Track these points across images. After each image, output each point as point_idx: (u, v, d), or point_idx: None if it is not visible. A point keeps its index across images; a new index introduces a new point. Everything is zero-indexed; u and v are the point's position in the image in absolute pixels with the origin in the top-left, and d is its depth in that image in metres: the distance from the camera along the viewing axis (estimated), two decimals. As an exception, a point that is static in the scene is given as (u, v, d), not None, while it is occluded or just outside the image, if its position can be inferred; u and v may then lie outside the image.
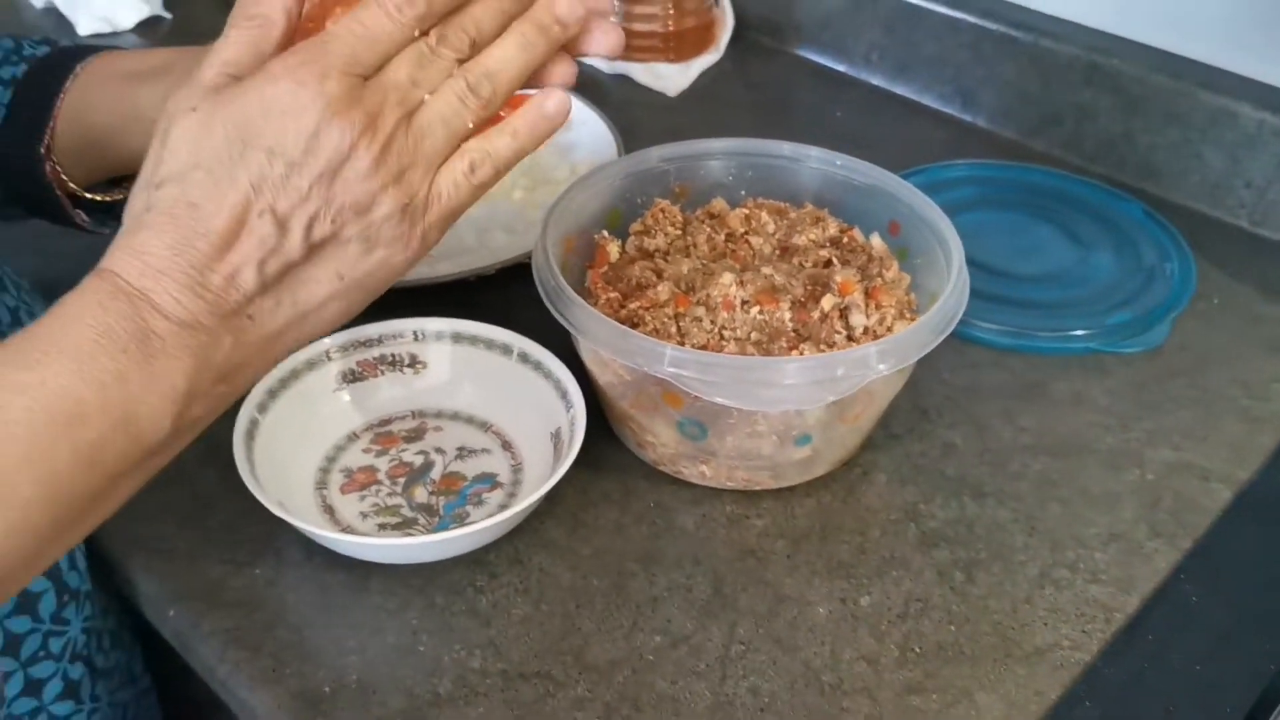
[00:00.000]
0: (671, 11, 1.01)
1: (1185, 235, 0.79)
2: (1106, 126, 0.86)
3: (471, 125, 0.46)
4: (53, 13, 1.05)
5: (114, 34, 1.03)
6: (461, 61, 0.46)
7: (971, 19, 0.91)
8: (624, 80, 1.00)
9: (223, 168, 0.42)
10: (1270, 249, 0.80)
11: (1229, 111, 0.80)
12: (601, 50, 0.51)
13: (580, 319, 0.55)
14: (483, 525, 0.52)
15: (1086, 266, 0.77)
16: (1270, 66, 0.80)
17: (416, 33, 0.45)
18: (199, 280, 0.42)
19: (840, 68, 1.02)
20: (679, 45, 1.02)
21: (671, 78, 0.99)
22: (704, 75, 1.01)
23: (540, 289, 0.57)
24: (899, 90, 0.98)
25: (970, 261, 0.76)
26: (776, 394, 0.54)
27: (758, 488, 0.60)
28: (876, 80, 1.00)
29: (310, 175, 0.42)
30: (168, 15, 1.06)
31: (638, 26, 1.01)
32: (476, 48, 0.47)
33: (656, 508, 0.60)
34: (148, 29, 1.05)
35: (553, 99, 0.48)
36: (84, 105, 0.60)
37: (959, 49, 0.93)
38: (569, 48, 0.51)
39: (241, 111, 0.42)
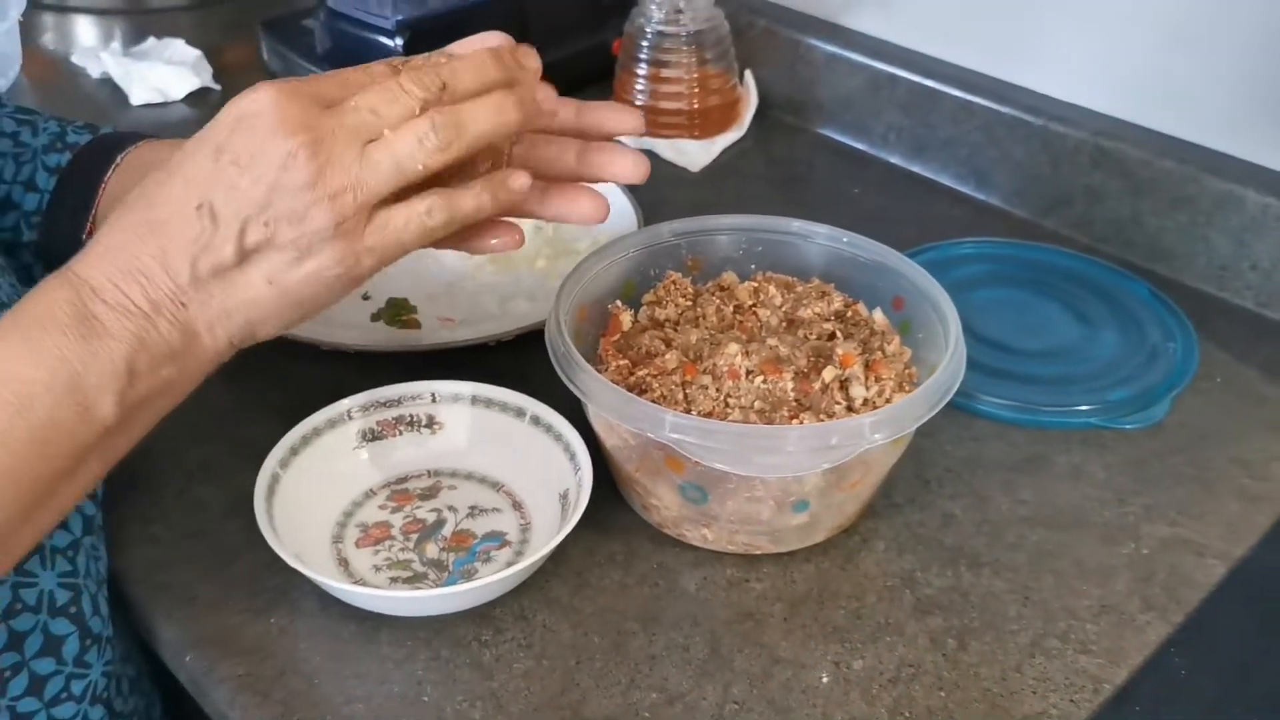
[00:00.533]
0: (697, 90, 1.04)
1: (1192, 316, 0.81)
2: (1115, 208, 0.88)
3: (422, 168, 0.48)
4: (108, 83, 1.11)
5: (165, 104, 1.09)
6: (428, 105, 0.49)
7: (984, 102, 0.94)
8: (649, 156, 1.03)
9: (179, 169, 0.48)
10: (1275, 330, 0.81)
11: (1235, 196, 0.82)
12: (632, 179, 0.58)
13: (587, 384, 0.58)
14: (488, 580, 0.55)
15: (1091, 344, 0.78)
16: (1274, 152, 0.82)
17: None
18: (135, 266, 0.47)
19: (860, 146, 1.05)
20: (704, 123, 1.05)
21: (695, 154, 1.03)
22: (727, 151, 1.05)
23: (552, 356, 0.60)
24: (916, 169, 1.01)
25: (977, 337, 0.79)
26: (773, 460, 0.56)
27: (758, 552, 0.62)
28: (895, 159, 1.02)
29: (250, 179, 0.46)
30: (217, 87, 1.11)
31: (664, 105, 1.05)
32: (449, 94, 0.49)
33: (659, 569, 0.62)
34: (198, 100, 1.10)
35: (517, 177, 0.52)
36: (124, 192, 0.63)
37: (972, 131, 0.95)
38: (600, 172, 0.58)
39: (214, 126, 0.48)
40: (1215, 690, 0.55)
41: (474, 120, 0.49)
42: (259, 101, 0.47)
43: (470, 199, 0.51)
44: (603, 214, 0.58)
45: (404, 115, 0.48)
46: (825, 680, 0.55)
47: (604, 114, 0.60)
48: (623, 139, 1.04)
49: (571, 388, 0.59)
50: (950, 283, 0.83)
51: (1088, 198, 0.90)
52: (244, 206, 0.47)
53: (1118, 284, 0.84)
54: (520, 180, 0.53)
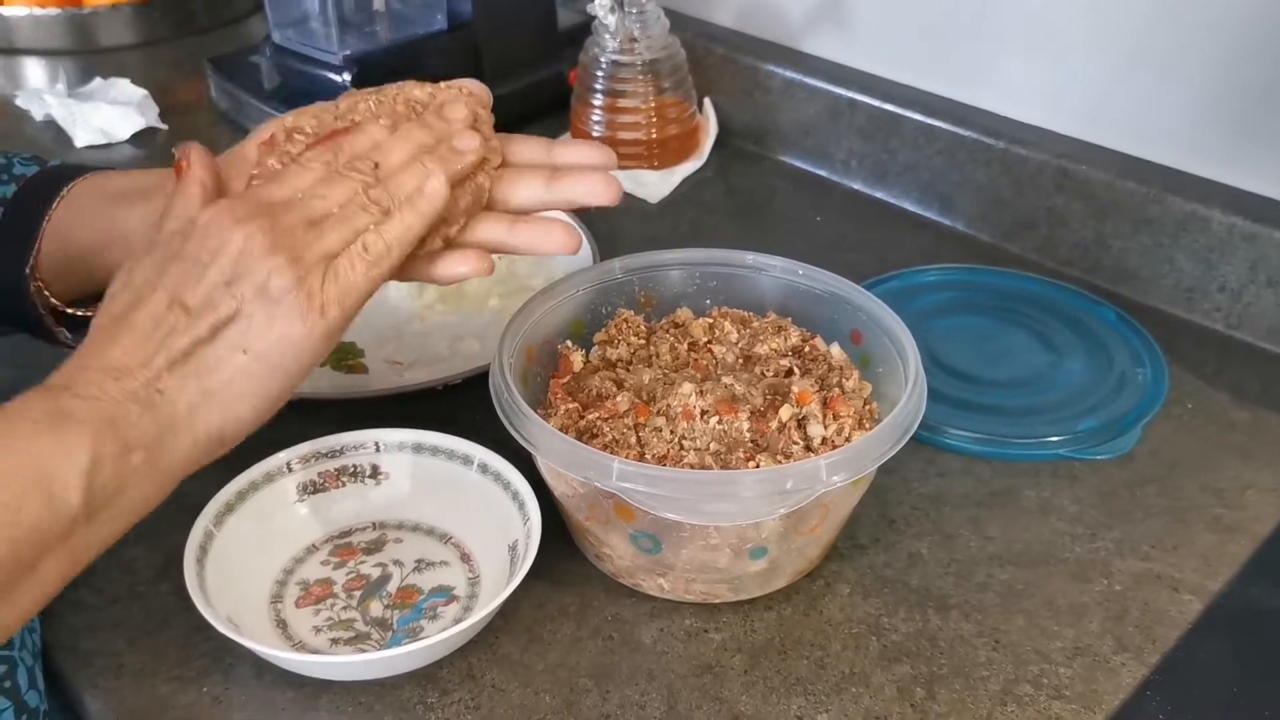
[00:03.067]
0: (655, 120, 1.03)
1: (1160, 339, 0.79)
2: (1079, 231, 0.87)
3: (367, 226, 0.52)
4: (52, 125, 1.08)
5: (110, 145, 1.06)
6: (366, 184, 0.53)
7: (945, 126, 0.92)
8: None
9: (150, 283, 0.50)
10: (1245, 352, 0.80)
11: (1199, 216, 0.80)
12: (604, 201, 0.58)
13: (533, 432, 0.56)
14: (431, 642, 0.52)
15: (1058, 372, 0.77)
16: (1235, 171, 0.81)
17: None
18: (108, 364, 0.47)
19: (822, 173, 1.03)
20: (663, 153, 1.04)
21: (654, 185, 1.01)
22: (687, 181, 1.03)
23: (495, 403, 0.58)
24: (879, 195, 0.99)
25: (941, 367, 0.77)
26: (725, 508, 0.54)
27: (717, 600, 0.59)
28: (857, 185, 1.01)
29: (216, 268, 0.49)
30: (164, 126, 1.09)
31: (622, 135, 1.03)
32: (381, 170, 0.54)
33: (614, 621, 0.59)
34: (144, 140, 1.07)
35: (432, 184, 0.53)
36: (70, 225, 0.62)
37: (934, 155, 0.94)
38: (570, 195, 0.58)
39: (167, 243, 0.51)
40: (1194, 735, 0.53)
41: (407, 184, 0.53)
42: (208, 213, 0.50)
43: (398, 217, 0.53)
44: (575, 244, 0.57)
45: (345, 195, 0.52)
46: (787, 736, 0.53)
47: (574, 151, 0.60)
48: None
49: (516, 437, 0.56)
50: (913, 312, 0.82)
51: (1051, 221, 0.88)
52: (211, 288, 0.49)
53: (1084, 308, 0.83)
54: (469, 141, 0.55)
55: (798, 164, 1.05)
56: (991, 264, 0.88)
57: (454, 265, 0.56)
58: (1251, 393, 0.75)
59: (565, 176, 0.58)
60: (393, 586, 0.59)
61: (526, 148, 0.60)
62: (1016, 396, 0.74)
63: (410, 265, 0.55)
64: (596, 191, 0.57)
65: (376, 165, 0.53)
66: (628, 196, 1.00)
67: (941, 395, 0.74)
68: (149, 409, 0.47)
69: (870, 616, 0.59)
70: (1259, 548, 0.63)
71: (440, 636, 0.52)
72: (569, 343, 0.66)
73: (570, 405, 0.61)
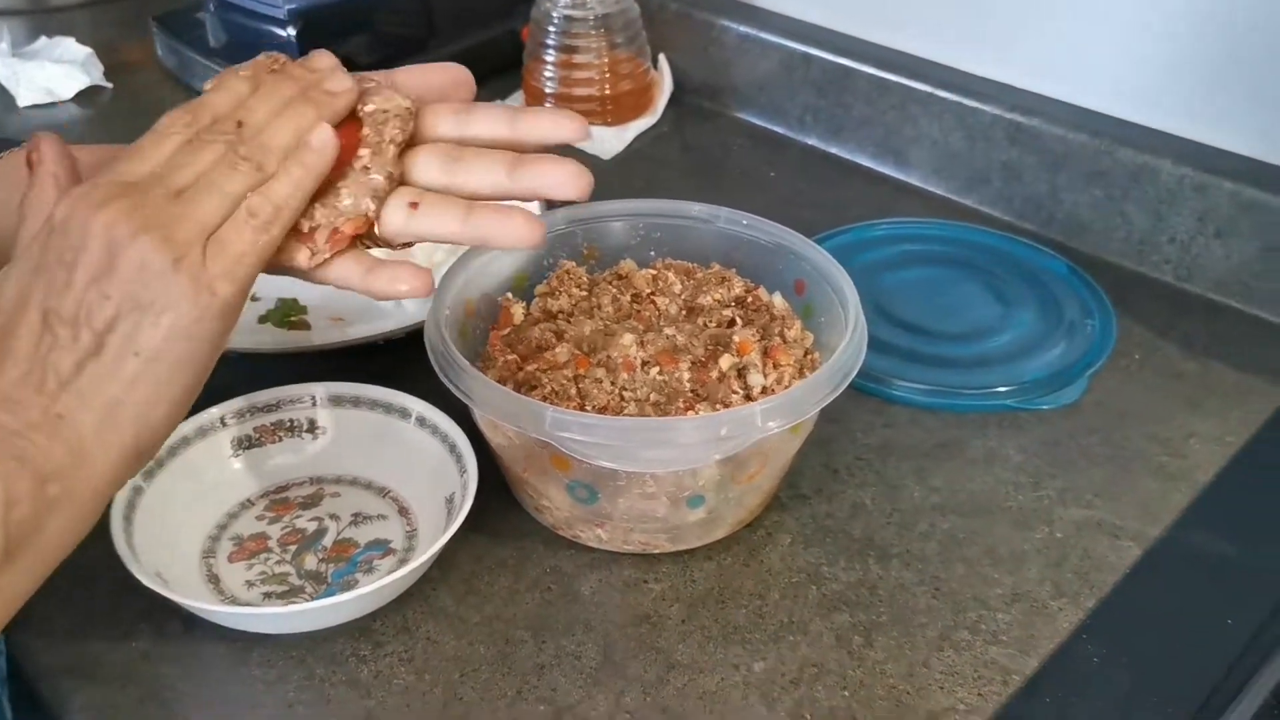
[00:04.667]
0: (608, 75, 1.01)
1: (1111, 292, 0.79)
2: (1032, 184, 0.86)
3: (245, 187, 0.46)
4: (-4, 85, 1.06)
5: (54, 104, 1.04)
6: (233, 144, 0.47)
7: (898, 79, 0.92)
8: (558, 145, 1.00)
9: (20, 300, 0.44)
10: (1194, 305, 0.79)
11: (1150, 168, 0.80)
12: (571, 195, 0.51)
13: (467, 384, 0.55)
14: (361, 592, 0.51)
15: (1007, 324, 0.76)
16: (1186, 122, 0.81)
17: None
18: (3, 397, 0.42)
19: (777, 129, 1.02)
20: (616, 109, 1.02)
21: (607, 141, 0.99)
22: (641, 138, 1.02)
23: (430, 355, 0.57)
24: (834, 150, 0.99)
25: (891, 320, 0.76)
26: (660, 454, 0.53)
27: (657, 551, 0.59)
28: (812, 141, 1.00)
29: (82, 270, 0.43)
30: (108, 85, 1.07)
31: (575, 91, 1.01)
32: (246, 128, 0.48)
33: (552, 573, 0.58)
34: (88, 99, 1.05)
35: (316, 134, 0.48)
36: None
37: (888, 110, 0.93)
38: (534, 186, 0.51)
39: (27, 250, 0.45)
40: (1129, 678, 0.53)
41: (275, 133, 0.48)
42: (62, 207, 0.44)
43: (284, 173, 0.47)
44: (538, 237, 0.50)
45: (209, 160, 0.46)
46: (724, 684, 0.53)
47: (541, 122, 0.53)
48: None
49: (451, 388, 0.56)
50: (864, 265, 0.81)
51: (1005, 174, 0.88)
52: (82, 293, 0.43)
53: (1036, 261, 0.82)
54: (341, 81, 0.50)
55: (753, 120, 1.04)
56: (947, 218, 0.88)
57: (394, 283, 0.50)
58: (1200, 344, 0.75)
59: (531, 164, 0.51)
60: (328, 540, 0.59)
61: (487, 121, 0.53)
62: (964, 348, 0.74)
63: (287, 252, 0.49)
64: (565, 184, 0.50)
65: (240, 124, 0.48)
66: (579, 153, 0.98)
67: (890, 347, 0.74)
68: (53, 436, 0.43)
69: (810, 566, 0.59)
70: (1199, 494, 0.63)
71: (372, 586, 0.52)
72: (510, 295, 0.65)
73: (509, 357, 0.60)
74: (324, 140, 0.48)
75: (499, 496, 0.61)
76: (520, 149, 0.53)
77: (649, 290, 0.66)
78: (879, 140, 0.95)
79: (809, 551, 0.60)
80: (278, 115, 0.48)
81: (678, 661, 0.54)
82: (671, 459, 0.53)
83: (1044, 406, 0.69)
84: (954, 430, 0.68)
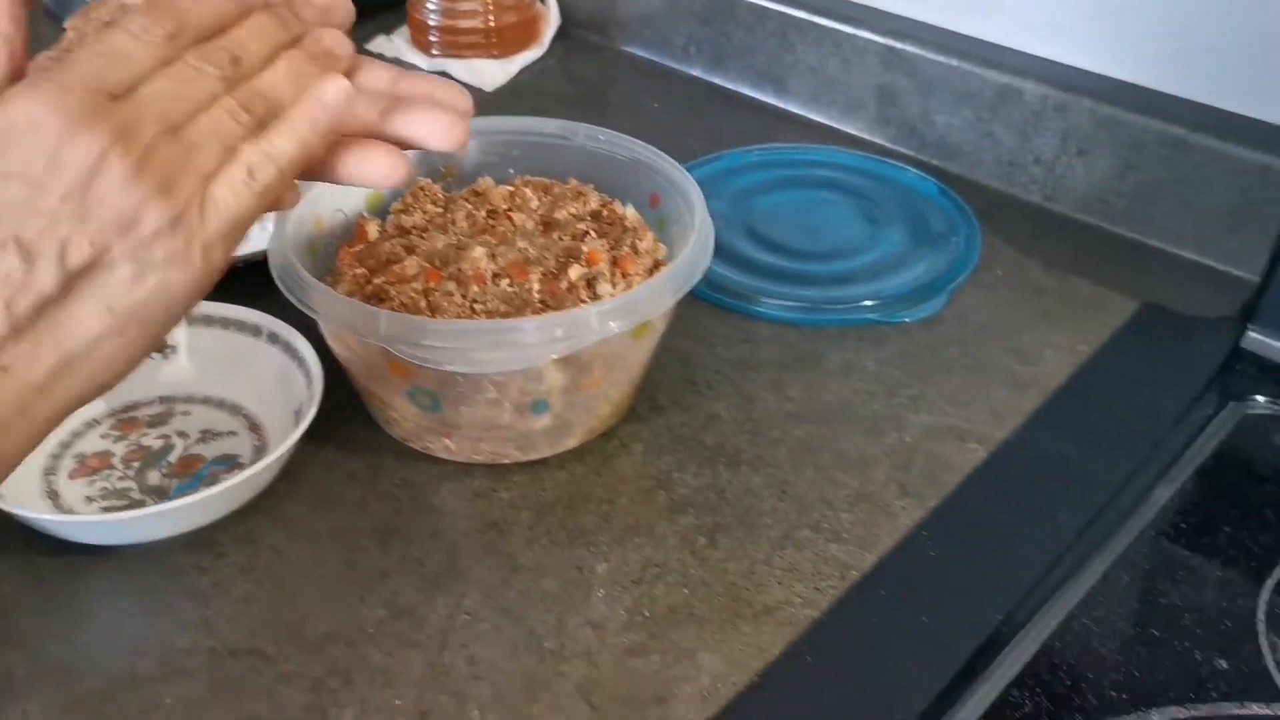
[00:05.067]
0: (492, 7, 1.00)
1: (981, 212, 0.80)
2: (906, 108, 0.87)
3: (240, 141, 0.40)
4: None
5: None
6: (228, 83, 0.41)
7: (776, 7, 0.92)
8: (440, 77, 0.99)
9: None
10: (1059, 223, 0.81)
11: (1014, 89, 0.81)
12: (444, 146, 0.46)
13: (308, 296, 0.54)
14: (194, 499, 0.51)
15: (875, 243, 0.77)
16: (1052, 45, 0.82)
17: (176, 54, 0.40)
18: None
19: (662, 61, 1.02)
20: (501, 41, 1.02)
21: (490, 73, 0.99)
22: (527, 71, 1.01)
23: (271, 268, 0.56)
24: (717, 80, 0.99)
25: (760, 241, 0.77)
26: (493, 356, 0.53)
27: (507, 461, 0.59)
28: (696, 72, 1.00)
29: (56, 193, 0.36)
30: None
31: (460, 23, 1.01)
32: (241, 67, 0.41)
33: (403, 484, 0.58)
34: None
35: (331, 87, 0.42)
36: None
37: (767, 38, 0.93)
38: (405, 132, 0.45)
39: None
40: (960, 571, 0.54)
41: (276, 87, 0.42)
42: (28, 106, 0.36)
43: (289, 130, 0.41)
44: (401, 174, 0.45)
45: (206, 96, 0.40)
46: (566, 584, 0.53)
47: (423, 86, 0.48)
48: (417, 59, 1.01)
49: (294, 300, 0.55)
50: (737, 190, 0.82)
51: (881, 99, 0.88)
52: (59, 226, 0.36)
53: (908, 183, 0.83)
54: (342, 43, 0.44)
55: (639, 53, 1.03)
56: (826, 145, 0.88)
57: (366, 167, 0.44)
58: (1063, 261, 0.76)
59: (405, 108, 0.46)
60: (174, 456, 0.58)
61: (371, 75, 0.47)
62: (831, 266, 0.75)
63: None
64: (437, 133, 0.45)
65: (234, 60, 0.41)
66: (462, 84, 0.97)
67: (757, 266, 0.74)
68: None
69: (661, 472, 0.60)
70: (1048, 399, 0.64)
71: (206, 492, 0.51)
72: (365, 214, 0.65)
73: (357, 271, 0.60)
74: (339, 94, 0.42)
75: (353, 412, 0.61)
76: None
77: (505, 206, 0.66)
78: (759, 69, 0.95)
79: (661, 459, 0.60)
80: (275, 63, 0.42)
81: (522, 565, 0.54)
82: (506, 359, 0.53)
83: (905, 319, 0.70)
84: (815, 344, 0.69)
